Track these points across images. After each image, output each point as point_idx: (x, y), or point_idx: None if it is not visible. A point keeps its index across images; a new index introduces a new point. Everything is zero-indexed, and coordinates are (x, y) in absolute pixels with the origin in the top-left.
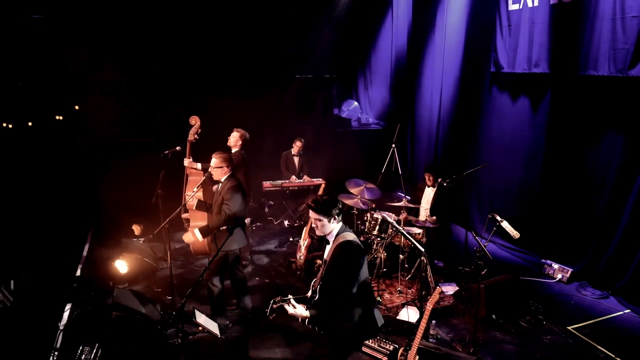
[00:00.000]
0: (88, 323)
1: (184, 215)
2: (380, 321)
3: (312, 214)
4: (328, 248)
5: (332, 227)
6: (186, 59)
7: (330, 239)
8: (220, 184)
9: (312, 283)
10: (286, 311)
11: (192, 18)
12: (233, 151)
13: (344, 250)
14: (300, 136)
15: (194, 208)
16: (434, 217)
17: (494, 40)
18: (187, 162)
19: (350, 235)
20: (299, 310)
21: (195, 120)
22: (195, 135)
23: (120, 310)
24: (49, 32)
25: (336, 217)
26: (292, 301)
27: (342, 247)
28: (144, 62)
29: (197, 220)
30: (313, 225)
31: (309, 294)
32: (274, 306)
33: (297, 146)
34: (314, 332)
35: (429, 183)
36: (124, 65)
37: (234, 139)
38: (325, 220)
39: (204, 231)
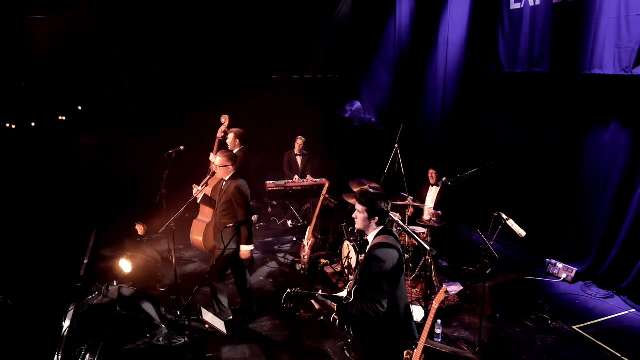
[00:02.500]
0: (92, 323)
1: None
2: (410, 335)
3: (357, 204)
4: (367, 249)
5: (371, 227)
6: (187, 59)
7: (370, 239)
8: (225, 183)
9: (348, 284)
10: (305, 307)
11: (193, 17)
12: (235, 151)
13: (375, 253)
14: (301, 135)
15: (198, 202)
16: (440, 212)
17: (496, 40)
18: (212, 157)
19: (389, 239)
20: (329, 306)
21: (225, 119)
22: (223, 134)
23: (124, 309)
24: (51, 33)
25: (378, 218)
26: (321, 297)
27: (374, 248)
28: (145, 62)
29: (205, 216)
30: (354, 215)
31: (345, 294)
32: (292, 296)
33: (298, 145)
34: (325, 331)
35: (432, 181)
36: (125, 65)
37: (231, 141)
38: (366, 215)
39: (246, 240)
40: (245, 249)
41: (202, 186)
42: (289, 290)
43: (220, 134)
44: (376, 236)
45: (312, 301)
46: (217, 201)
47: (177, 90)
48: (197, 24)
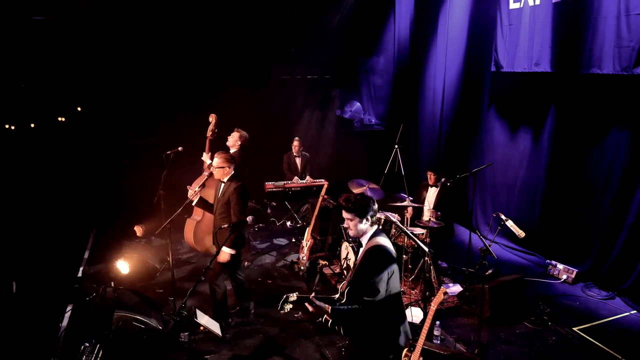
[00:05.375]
0: (89, 324)
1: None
2: (404, 338)
3: (344, 213)
4: (360, 251)
5: (366, 229)
6: (188, 60)
7: (363, 242)
8: (223, 185)
9: (340, 285)
10: (304, 309)
11: (193, 18)
12: (232, 151)
13: (373, 256)
14: (298, 136)
15: (193, 204)
16: (439, 212)
17: (495, 40)
18: (205, 156)
19: (383, 240)
20: (322, 308)
21: (212, 118)
22: (211, 133)
23: (121, 311)
24: (51, 34)
25: (370, 219)
26: (315, 300)
27: (372, 252)
28: (145, 63)
29: (197, 214)
30: (345, 225)
31: (337, 296)
32: (289, 301)
33: (294, 146)
34: (323, 333)
35: (430, 182)
36: (125, 65)
37: (233, 139)
38: (357, 220)
39: (231, 242)
40: (226, 251)
41: (198, 188)
42: (285, 295)
43: (209, 133)
44: (370, 238)
45: (306, 304)
46: (215, 203)
47: (177, 92)
48: (197, 25)
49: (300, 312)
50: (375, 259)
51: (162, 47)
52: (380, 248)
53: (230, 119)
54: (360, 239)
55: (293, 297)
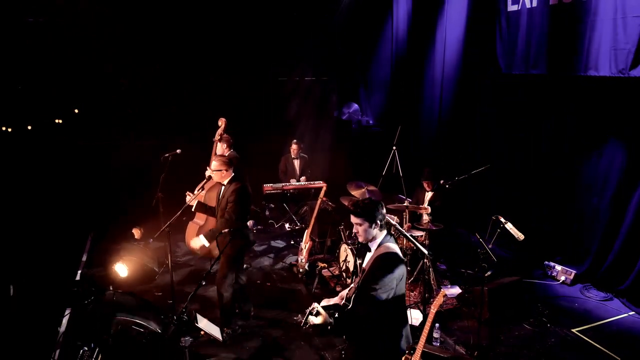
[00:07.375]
0: (88, 327)
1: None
2: (405, 341)
3: (352, 218)
4: (368, 256)
5: (375, 234)
6: (188, 60)
7: (372, 247)
8: (224, 187)
9: (346, 290)
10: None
11: (193, 19)
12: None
13: (385, 263)
14: (296, 138)
15: (193, 210)
16: (428, 208)
17: (493, 42)
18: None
19: (393, 247)
20: (325, 316)
21: (222, 122)
22: (219, 137)
23: (120, 314)
24: (49, 35)
25: (379, 223)
26: (320, 309)
27: (383, 259)
28: (145, 63)
29: (200, 219)
30: (354, 230)
31: (343, 302)
32: (313, 314)
33: (293, 149)
34: (322, 336)
35: (427, 189)
36: (125, 66)
37: (222, 148)
38: (367, 224)
39: (209, 236)
40: (199, 241)
41: (197, 191)
42: (309, 309)
43: (217, 137)
44: (380, 244)
45: (309, 317)
46: (216, 206)
47: (177, 92)
48: (197, 25)
49: (299, 315)
50: (386, 266)
51: (162, 47)
52: (391, 255)
53: (229, 120)
54: (369, 244)
55: (313, 310)
